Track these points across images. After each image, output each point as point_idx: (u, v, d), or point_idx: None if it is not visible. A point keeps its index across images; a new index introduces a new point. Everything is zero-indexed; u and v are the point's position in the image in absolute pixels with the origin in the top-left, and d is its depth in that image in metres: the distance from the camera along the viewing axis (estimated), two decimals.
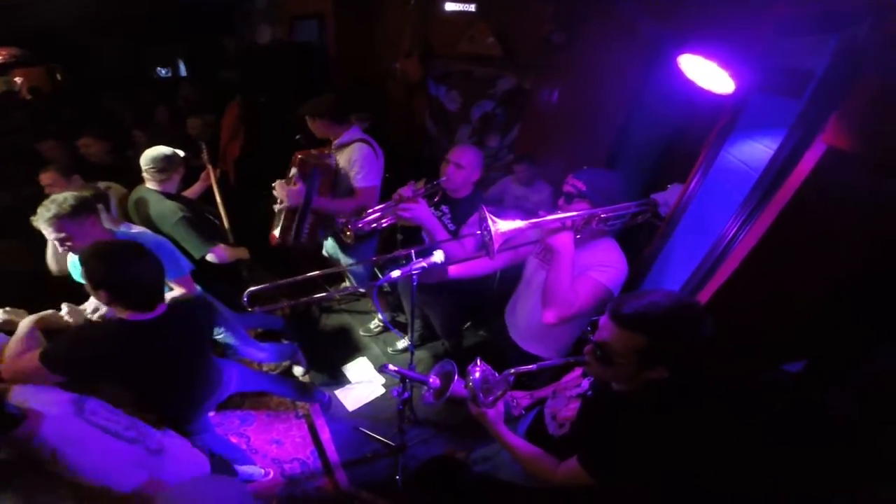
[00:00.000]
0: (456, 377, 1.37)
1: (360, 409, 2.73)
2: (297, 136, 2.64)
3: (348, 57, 4.54)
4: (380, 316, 3.22)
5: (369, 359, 3.06)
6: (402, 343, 3.12)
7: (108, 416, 1.41)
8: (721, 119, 1.57)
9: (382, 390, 2.84)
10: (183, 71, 6.49)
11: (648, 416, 1.07)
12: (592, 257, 1.56)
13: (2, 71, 5.60)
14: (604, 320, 1.07)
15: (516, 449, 1.28)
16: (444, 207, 2.08)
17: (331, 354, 3.09)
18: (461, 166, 1.97)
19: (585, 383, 1.32)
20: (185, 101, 4.54)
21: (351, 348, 3.17)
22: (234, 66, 4.89)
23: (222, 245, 2.35)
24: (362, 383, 2.88)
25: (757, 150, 1.37)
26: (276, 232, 2.42)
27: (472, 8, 3.64)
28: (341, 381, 2.91)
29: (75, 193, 1.76)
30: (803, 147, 1.22)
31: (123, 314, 1.45)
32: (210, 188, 2.84)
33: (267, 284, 1.51)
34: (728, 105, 1.52)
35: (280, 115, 3.99)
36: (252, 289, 1.48)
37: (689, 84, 1.49)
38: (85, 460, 1.23)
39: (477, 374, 1.28)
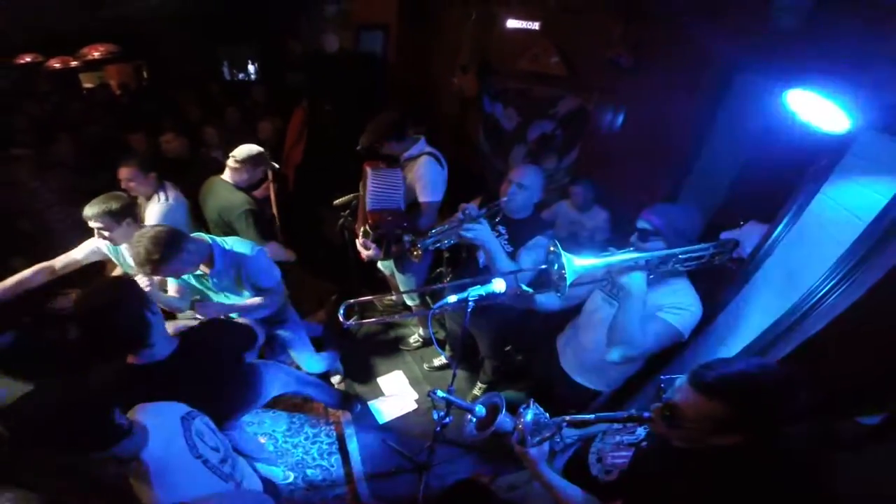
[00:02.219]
0: (503, 412, 1.30)
1: (390, 422, 2.70)
2: (358, 147, 2.69)
3: (408, 68, 4.61)
4: (420, 332, 3.20)
5: (405, 373, 3.03)
6: (439, 360, 3.06)
7: (210, 440, 1.35)
8: (821, 158, 1.42)
9: (415, 405, 2.79)
10: (253, 73, 6.82)
11: (708, 480, 0.99)
12: (665, 297, 1.50)
13: (97, 66, 6.08)
14: (681, 382, 1.00)
15: (556, 489, 1.22)
16: (500, 228, 2.02)
17: (367, 365, 3.08)
18: (523, 187, 1.91)
19: (641, 432, 1.24)
20: (255, 104, 4.76)
21: (388, 360, 3.15)
22: (301, 70, 5.08)
23: (275, 243, 2.49)
24: (395, 396, 2.85)
25: (867, 197, 1.21)
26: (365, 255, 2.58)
27: (535, 26, 3.60)
28: (375, 392, 2.88)
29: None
30: None
31: (130, 358, 1.42)
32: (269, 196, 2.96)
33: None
34: (831, 142, 1.37)
35: (343, 123, 4.10)
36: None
37: (770, 113, 1.38)
38: (174, 495, 1.15)
39: (529, 417, 1.22)
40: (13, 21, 4.46)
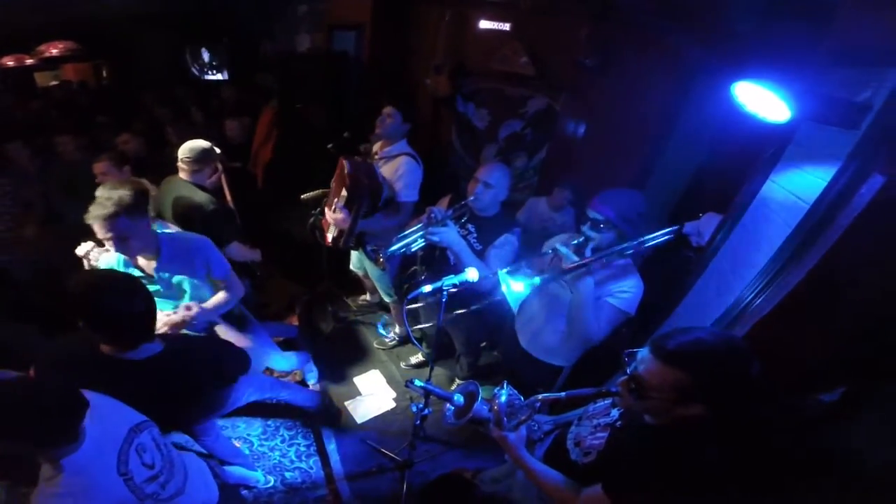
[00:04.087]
0: (479, 398, 1.33)
1: (368, 421, 2.68)
2: (329, 146, 2.66)
3: (382, 69, 4.61)
4: (397, 329, 3.19)
5: (382, 372, 3.02)
6: (416, 358, 3.07)
7: (147, 457, 1.27)
8: (769, 148, 1.52)
9: (393, 404, 2.79)
10: (223, 73, 6.62)
11: (678, 452, 1.03)
12: (609, 282, 1.63)
13: (53, 65, 5.80)
14: (644, 353, 1.04)
15: (537, 474, 1.24)
16: (469, 226, 2.06)
17: (343, 365, 3.05)
18: (489, 185, 1.96)
19: (615, 413, 1.28)
20: (224, 103, 4.65)
21: (364, 360, 3.13)
22: (271, 70, 5.01)
23: (237, 243, 2.42)
24: (373, 396, 2.84)
25: (809, 181, 1.30)
26: (330, 238, 2.53)
27: (506, 26, 3.66)
28: (352, 392, 2.86)
29: (130, 187, 1.65)
30: (859, 180, 1.16)
31: (105, 349, 1.37)
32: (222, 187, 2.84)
33: None
34: (777, 133, 1.47)
35: (313, 123, 4.05)
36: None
37: (726, 111, 1.48)
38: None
39: (503, 398, 1.26)
40: None
